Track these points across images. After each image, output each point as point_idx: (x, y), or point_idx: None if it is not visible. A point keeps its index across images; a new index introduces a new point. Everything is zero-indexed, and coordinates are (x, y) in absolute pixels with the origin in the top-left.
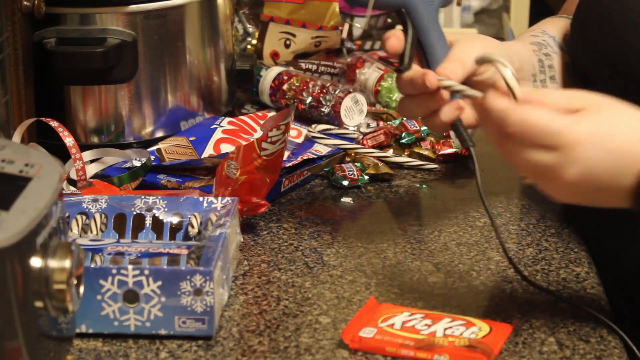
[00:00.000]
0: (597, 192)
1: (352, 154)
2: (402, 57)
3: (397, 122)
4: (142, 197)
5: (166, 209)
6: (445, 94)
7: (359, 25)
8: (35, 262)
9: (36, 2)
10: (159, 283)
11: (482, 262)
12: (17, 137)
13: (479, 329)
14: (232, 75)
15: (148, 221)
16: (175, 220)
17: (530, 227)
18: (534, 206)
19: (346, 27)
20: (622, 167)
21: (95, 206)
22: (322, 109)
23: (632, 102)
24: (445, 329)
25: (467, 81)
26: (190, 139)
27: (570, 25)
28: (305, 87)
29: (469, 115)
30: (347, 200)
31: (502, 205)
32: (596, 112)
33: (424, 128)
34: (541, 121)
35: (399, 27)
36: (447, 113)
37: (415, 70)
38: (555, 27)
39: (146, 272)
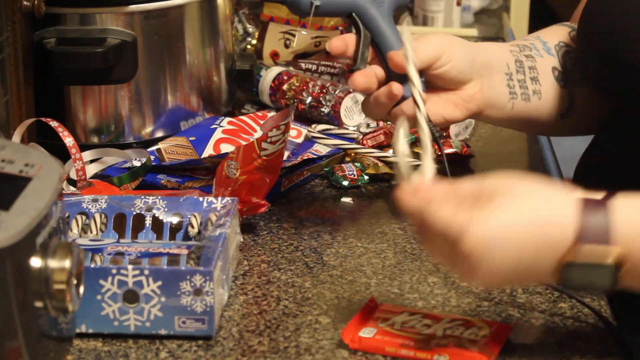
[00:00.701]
0: (516, 278)
1: (352, 154)
2: (355, 58)
3: None
4: (142, 197)
5: (166, 209)
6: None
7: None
8: (35, 262)
9: (36, 2)
10: (159, 283)
11: None
12: (17, 137)
13: (479, 328)
14: (232, 75)
15: (148, 221)
16: (175, 220)
17: None
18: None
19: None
20: (537, 255)
21: (95, 206)
22: (322, 109)
23: (633, 96)
24: (445, 329)
25: (424, 74)
26: (190, 139)
27: (577, 27)
28: (305, 87)
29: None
30: (347, 200)
31: None
32: (497, 208)
33: None
34: (443, 221)
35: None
36: (408, 108)
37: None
38: (552, 33)
39: (146, 272)
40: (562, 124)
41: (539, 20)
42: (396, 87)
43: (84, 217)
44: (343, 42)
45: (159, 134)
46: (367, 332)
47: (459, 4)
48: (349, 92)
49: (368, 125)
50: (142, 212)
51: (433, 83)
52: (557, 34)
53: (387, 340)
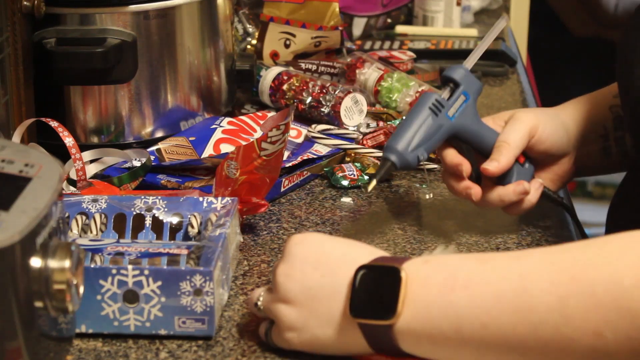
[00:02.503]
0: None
1: (352, 154)
2: (473, 175)
3: (397, 122)
4: (142, 197)
5: (166, 209)
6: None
7: None
8: (35, 262)
9: (36, 2)
10: (159, 283)
11: None
12: (17, 137)
13: None
14: (232, 75)
15: (148, 221)
16: (175, 220)
17: (530, 227)
18: (534, 206)
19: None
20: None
21: (95, 206)
22: (322, 109)
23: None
24: None
25: (527, 151)
26: (190, 139)
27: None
28: (305, 87)
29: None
30: (347, 200)
31: None
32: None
33: None
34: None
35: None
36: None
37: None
38: None
39: (146, 272)
40: None
41: (538, 20)
42: (476, 192)
43: (84, 217)
44: (464, 164)
45: (159, 134)
46: None
47: (459, 4)
48: (349, 92)
49: (368, 126)
50: (142, 212)
51: (532, 156)
52: None
53: None
